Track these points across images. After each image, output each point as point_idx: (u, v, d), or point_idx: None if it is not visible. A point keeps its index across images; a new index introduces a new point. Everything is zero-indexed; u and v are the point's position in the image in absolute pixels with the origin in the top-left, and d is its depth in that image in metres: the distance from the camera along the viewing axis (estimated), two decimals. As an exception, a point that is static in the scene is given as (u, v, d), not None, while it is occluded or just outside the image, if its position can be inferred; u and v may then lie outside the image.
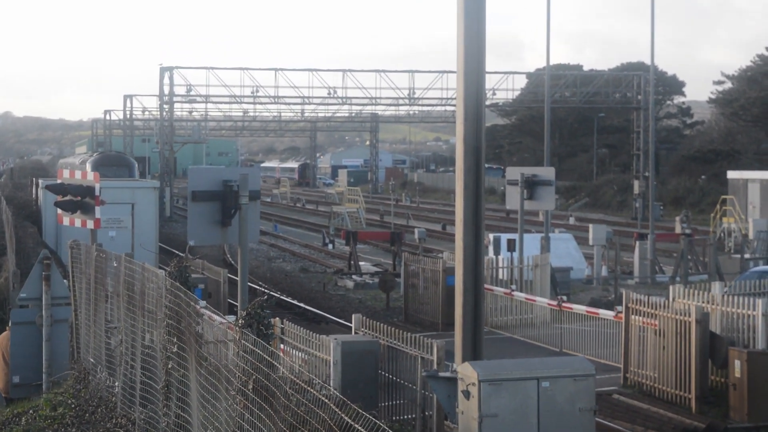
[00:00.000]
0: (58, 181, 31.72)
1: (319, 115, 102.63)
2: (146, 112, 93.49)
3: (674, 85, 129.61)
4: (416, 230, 69.85)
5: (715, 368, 26.68)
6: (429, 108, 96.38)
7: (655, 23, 61.86)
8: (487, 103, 58.29)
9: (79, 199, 27.69)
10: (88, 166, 57.75)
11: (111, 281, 20.55)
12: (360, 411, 8.98)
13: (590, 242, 59.19)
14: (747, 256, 56.58)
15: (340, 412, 9.11)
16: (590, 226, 65.43)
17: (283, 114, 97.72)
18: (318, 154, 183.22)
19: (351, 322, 24.80)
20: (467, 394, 14.24)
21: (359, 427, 8.65)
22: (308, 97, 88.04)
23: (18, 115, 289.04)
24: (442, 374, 16.44)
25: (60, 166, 70.87)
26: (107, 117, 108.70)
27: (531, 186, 41.20)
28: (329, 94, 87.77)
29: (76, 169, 47.32)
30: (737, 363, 25.80)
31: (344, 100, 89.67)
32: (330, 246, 68.36)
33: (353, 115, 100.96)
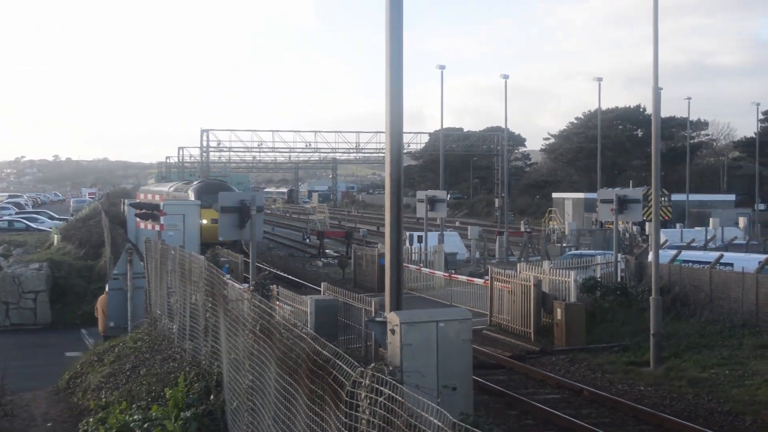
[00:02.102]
0: (137, 201, 31.71)
1: (300, 159, 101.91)
2: (192, 157, 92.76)
3: (519, 140, 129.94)
4: (361, 230, 70.02)
5: (545, 314, 26.83)
6: (368, 154, 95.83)
7: (507, 103, 62.27)
8: (404, 151, 58.05)
9: (150, 212, 27.71)
10: (191, 192, 54.14)
11: (170, 263, 20.51)
12: (326, 342, 8.99)
13: (469, 237, 59.34)
14: (564, 245, 56.96)
15: (313, 343, 9.11)
16: (468, 227, 65.48)
17: (277, 158, 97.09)
18: (299, 183, 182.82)
19: (320, 288, 24.88)
20: (393, 332, 14.22)
21: (325, 352, 8.65)
22: (293, 149, 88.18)
23: (111, 159, 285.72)
24: (377, 319, 16.40)
25: (140, 191, 69.63)
26: (167, 161, 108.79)
27: (431, 202, 41.64)
28: (306, 146, 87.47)
29: (156, 193, 46.79)
30: (558, 310, 25.98)
31: (316, 149, 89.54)
32: (307, 240, 67.92)
33: (321, 159, 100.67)
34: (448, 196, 76.63)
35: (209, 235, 48.21)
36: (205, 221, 52.09)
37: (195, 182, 59.49)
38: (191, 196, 53.11)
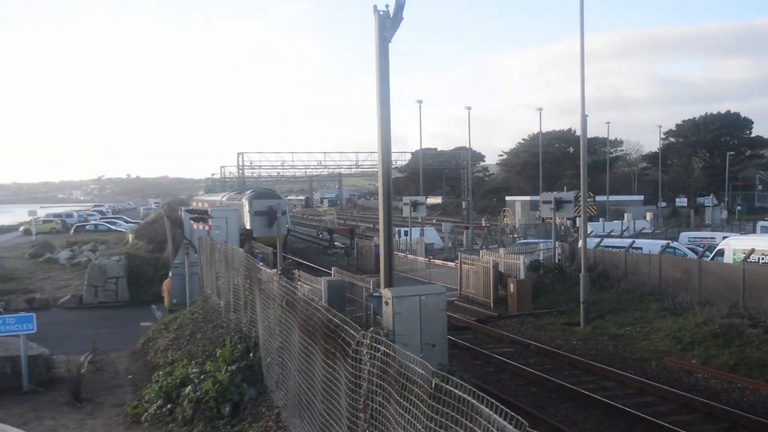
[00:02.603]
0: (191, 208, 31.66)
1: (313, 174, 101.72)
2: (231, 174, 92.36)
3: (479, 157, 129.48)
4: (361, 227, 69.94)
5: (501, 288, 26.87)
6: (365, 169, 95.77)
7: (470, 128, 62.35)
8: (392, 166, 57.90)
9: (201, 216, 27.66)
10: (245, 201, 47.13)
11: (217, 254, 20.50)
12: (336, 312, 9.07)
13: (443, 231, 59.42)
14: (515, 236, 56.94)
15: (327, 313, 9.19)
16: (443, 223, 65.61)
17: (296, 174, 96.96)
18: (313, 192, 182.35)
19: (331, 271, 24.89)
20: (387, 303, 14.24)
21: (336, 320, 8.73)
22: (308, 166, 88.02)
23: (170, 176, 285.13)
24: (375, 294, 16.41)
25: (193, 200, 68.38)
26: (212, 176, 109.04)
27: (414, 205, 41.49)
28: (318, 164, 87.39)
29: (208, 202, 46.49)
30: (511, 285, 26.04)
31: (325, 167, 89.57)
32: (320, 235, 67.59)
33: (329, 173, 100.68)
34: (426, 200, 76.72)
35: (265, 239, 42.64)
36: None
37: (248, 191, 51.88)
38: (245, 205, 47.09)
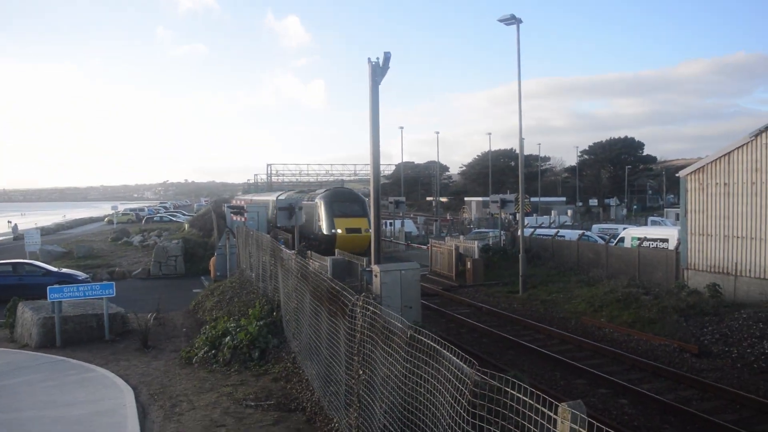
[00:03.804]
0: (232, 204, 31.41)
1: (323, 180, 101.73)
2: (261, 180, 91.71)
3: (445, 168, 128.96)
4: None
5: (461, 265, 26.81)
6: (362, 177, 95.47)
7: (439, 147, 62.15)
8: (381, 174, 58.13)
9: (239, 210, 27.44)
10: (320, 201, 32.61)
11: (250, 239, 20.34)
12: (338, 282, 8.95)
13: (418, 223, 59.30)
14: (471, 227, 56.97)
15: (331, 283, 9.07)
16: (418, 217, 65.46)
17: (309, 180, 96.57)
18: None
19: (335, 252, 24.77)
20: (376, 276, 14.18)
21: (337, 287, 8.62)
22: (318, 173, 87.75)
23: (216, 181, 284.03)
24: (367, 269, 16.38)
25: (234, 198, 67.54)
26: (248, 181, 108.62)
27: (397, 203, 41.33)
28: (326, 172, 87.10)
29: (250, 201, 45.89)
30: (468, 263, 25.97)
31: (332, 174, 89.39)
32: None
33: (335, 179, 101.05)
34: (404, 199, 76.45)
35: (345, 243, 29.19)
36: (339, 230, 31.51)
37: (322, 190, 35.77)
38: (320, 205, 32.69)
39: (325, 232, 31.78)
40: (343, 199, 33.05)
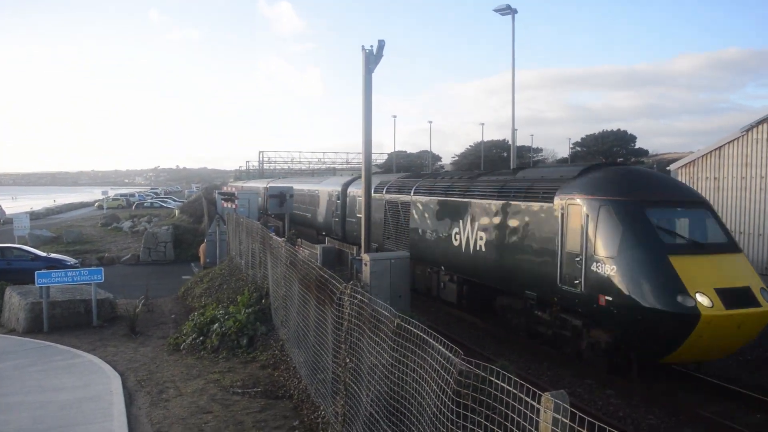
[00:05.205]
0: (223, 191, 31.24)
1: (315, 168, 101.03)
2: (253, 167, 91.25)
3: (437, 158, 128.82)
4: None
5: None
6: (354, 165, 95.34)
7: (432, 136, 62.18)
8: (373, 164, 58.13)
9: (230, 197, 27.30)
10: (353, 188, 25.75)
11: (240, 226, 20.28)
12: (327, 270, 8.94)
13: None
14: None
15: (320, 271, 9.06)
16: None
17: (302, 168, 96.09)
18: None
19: (326, 241, 24.74)
20: (366, 264, 14.19)
21: (326, 275, 8.61)
22: (311, 161, 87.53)
23: (208, 168, 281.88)
24: (357, 258, 16.39)
25: (225, 184, 66.79)
26: (239, 168, 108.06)
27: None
28: (318, 161, 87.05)
29: (242, 187, 45.56)
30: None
31: (323, 162, 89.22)
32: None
33: (327, 168, 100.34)
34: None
35: (721, 338, 11.59)
36: (706, 300, 9.06)
37: (345, 177, 29.51)
38: (342, 189, 26.63)
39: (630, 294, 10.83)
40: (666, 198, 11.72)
